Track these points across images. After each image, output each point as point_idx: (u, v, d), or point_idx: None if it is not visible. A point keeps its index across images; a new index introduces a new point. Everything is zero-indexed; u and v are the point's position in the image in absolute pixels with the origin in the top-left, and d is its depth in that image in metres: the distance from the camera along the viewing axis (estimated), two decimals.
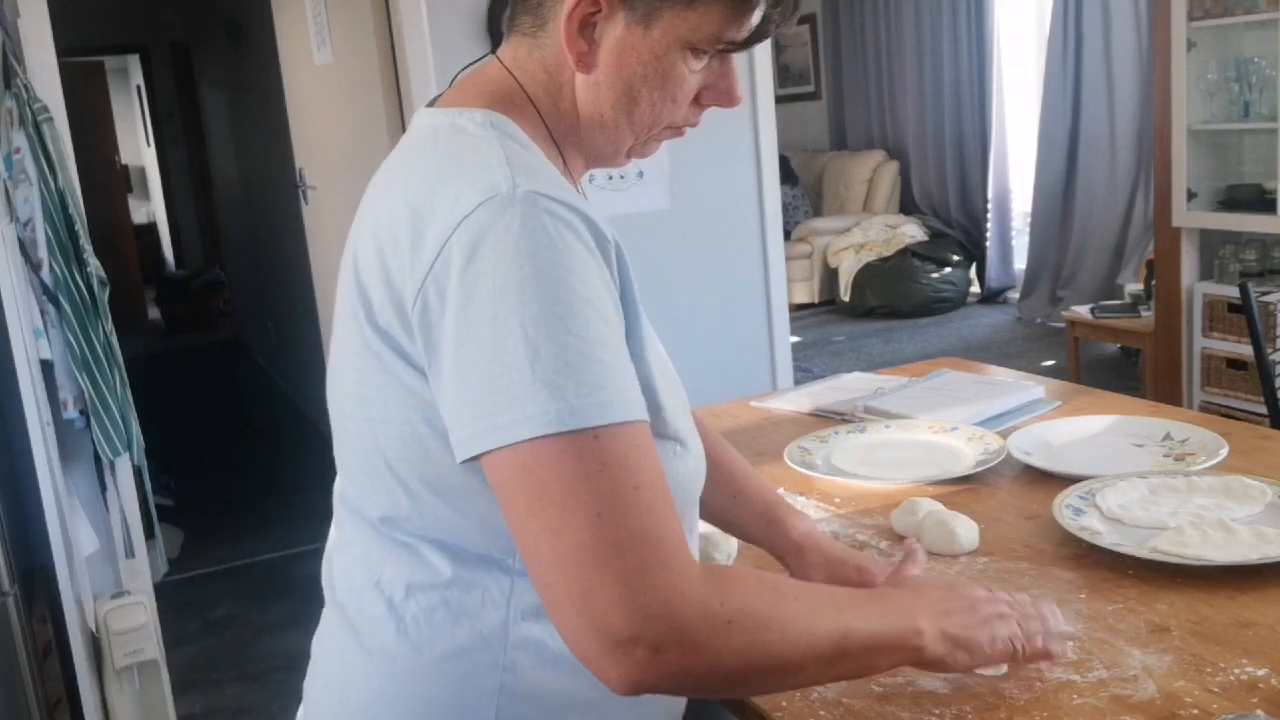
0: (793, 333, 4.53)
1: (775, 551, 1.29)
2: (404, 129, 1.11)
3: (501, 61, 1.04)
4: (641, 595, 0.83)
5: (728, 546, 1.40)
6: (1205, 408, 4.26)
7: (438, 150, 0.97)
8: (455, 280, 0.86)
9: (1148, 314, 4.91)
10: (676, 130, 1.04)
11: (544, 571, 0.85)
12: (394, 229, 0.93)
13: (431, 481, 0.95)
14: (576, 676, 0.93)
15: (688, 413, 1.07)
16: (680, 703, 1.08)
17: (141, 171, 12.14)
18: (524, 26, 1.02)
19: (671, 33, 0.96)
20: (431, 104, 1.06)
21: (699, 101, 1.02)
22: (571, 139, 1.04)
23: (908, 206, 8.16)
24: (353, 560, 1.04)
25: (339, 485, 1.08)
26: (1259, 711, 0.99)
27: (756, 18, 0.97)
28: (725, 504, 1.30)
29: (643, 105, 0.99)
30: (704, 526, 1.42)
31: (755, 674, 0.90)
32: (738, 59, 1.04)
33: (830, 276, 7.85)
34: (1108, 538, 1.34)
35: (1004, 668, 1.08)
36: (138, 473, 2.88)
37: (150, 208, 12.04)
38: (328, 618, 1.08)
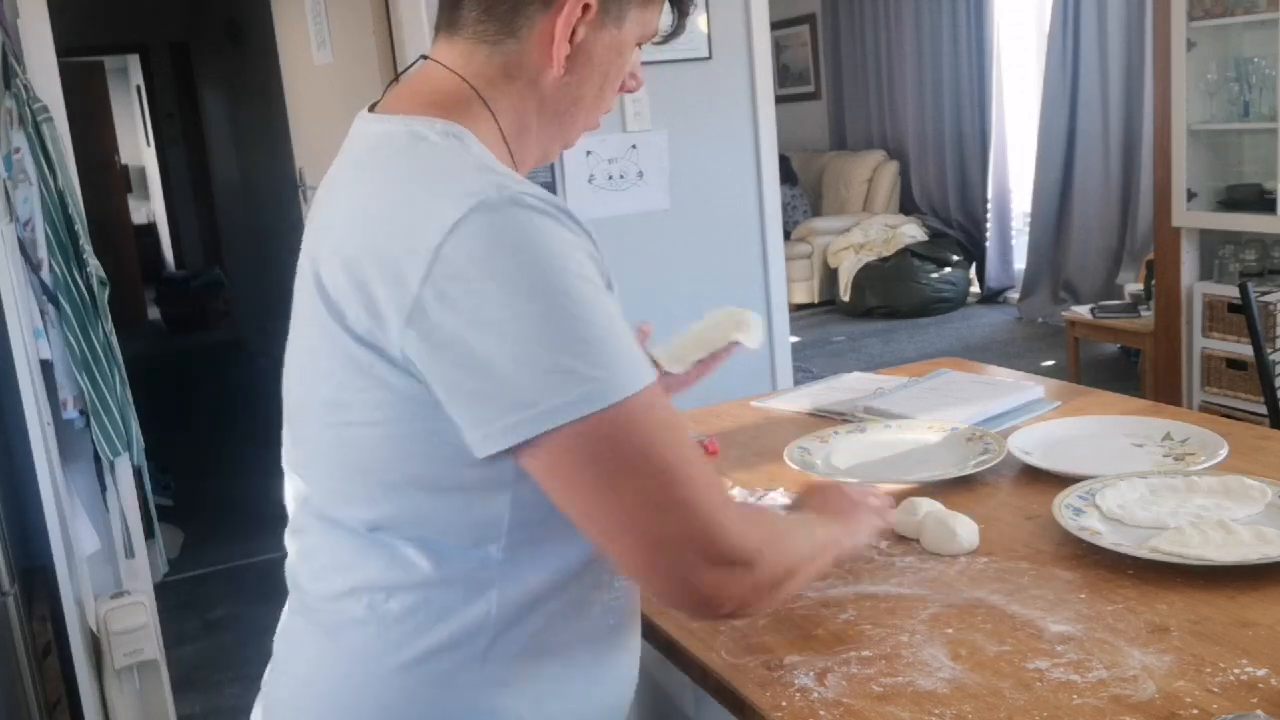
0: (793, 333, 4.53)
1: None
2: None
3: (448, 66, 1.05)
4: (722, 531, 0.93)
5: None
6: (1205, 408, 4.26)
7: (404, 160, 0.98)
8: (460, 287, 0.88)
9: (1148, 314, 4.91)
10: (596, 123, 1.13)
11: (634, 539, 0.92)
12: (368, 241, 0.93)
13: (418, 479, 0.96)
14: (555, 664, 1.01)
15: None
16: (634, 680, 1.13)
17: (141, 171, 12.14)
18: (483, 34, 1.04)
19: (633, 29, 1.07)
20: (371, 109, 1.07)
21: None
22: (525, 139, 1.06)
23: (907, 206, 8.16)
24: (324, 566, 1.05)
25: (301, 492, 1.08)
26: (1259, 711, 0.99)
27: (676, 15, 1.12)
28: None
29: (607, 95, 1.09)
30: None
31: (785, 581, 1.01)
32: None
33: (830, 276, 7.85)
34: (1108, 538, 1.34)
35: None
36: (138, 473, 2.87)
37: (150, 208, 12.04)
38: (296, 622, 1.08)
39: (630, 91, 1.13)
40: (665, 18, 1.11)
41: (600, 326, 0.90)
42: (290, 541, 1.11)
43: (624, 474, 0.90)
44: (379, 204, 0.95)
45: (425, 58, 1.08)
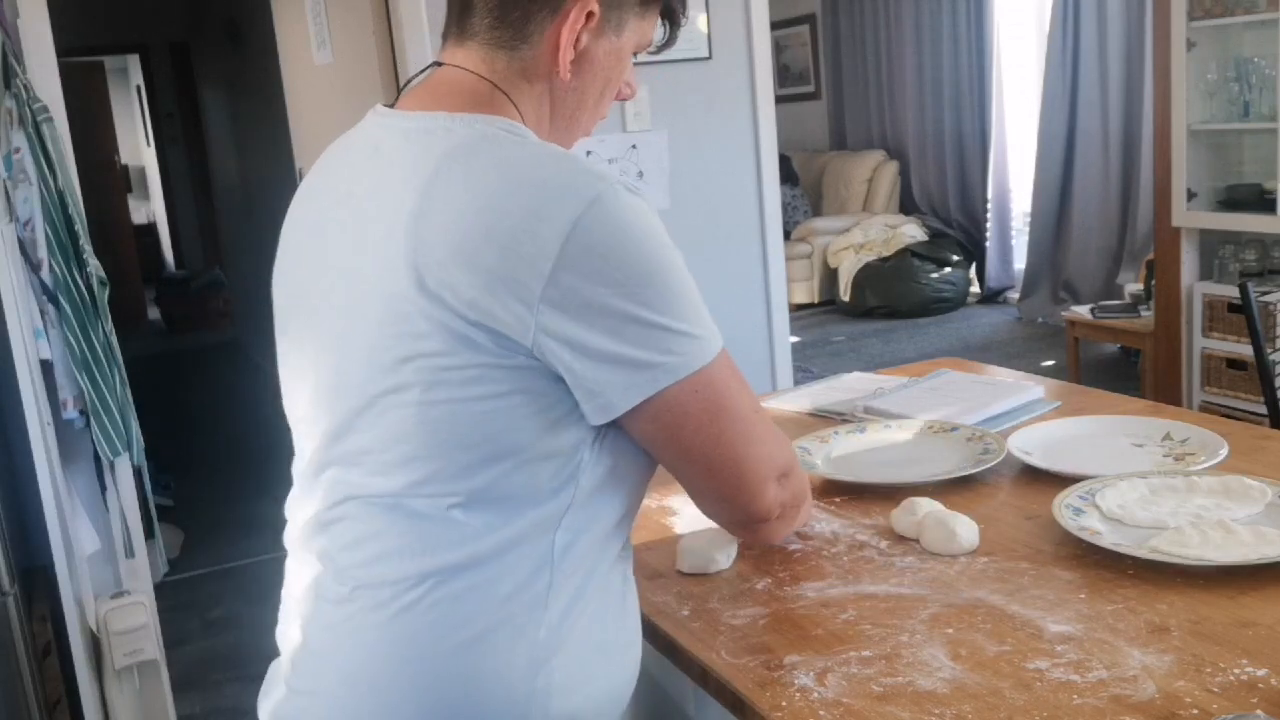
0: (793, 333, 4.53)
1: None
2: None
3: (472, 71, 1.10)
4: (785, 446, 1.18)
5: (730, 548, 1.40)
6: (1205, 408, 4.26)
7: (506, 150, 1.03)
8: (594, 264, 0.97)
9: (1148, 314, 4.91)
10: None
11: (741, 462, 1.10)
12: (490, 228, 0.97)
13: (515, 449, 1.02)
14: (593, 629, 1.07)
15: None
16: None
17: (141, 171, 12.14)
18: (499, 40, 1.10)
19: (633, 37, 1.14)
20: (390, 106, 1.12)
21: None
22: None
23: (908, 206, 8.16)
24: (380, 553, 1.05)
25: (344, 482, 1.08)
26: (1259, 711, 0.99)
27: (668, 26, 1.19)
28: None
29: (607, 101, 1.17)
30: (712, 528, 1.42)
31: (805, 499, 1.28)
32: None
33: (830, 276, 7.85)
34: (1108, 538, 1.34)
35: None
36: (138, 473, 2.87)
37: (150, 208, 12.05)
38: (341, 613, 1.07)
39: (625, 99, 1.19)
40: (658, 29, 1.19)
41: (695, 293, 1.04)
42: (319, 535, 1.11)
43: (724, 416, 1.06)
44: (495, 193, 0.99)
45: (438, 64, 1.12)
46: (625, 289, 0.98)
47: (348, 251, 1.06)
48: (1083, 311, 5.33)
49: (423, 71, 1.14)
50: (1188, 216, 4.34)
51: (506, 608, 1.03)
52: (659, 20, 1.18)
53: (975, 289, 7.76)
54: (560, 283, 0.97)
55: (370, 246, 1.03)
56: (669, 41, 1.20)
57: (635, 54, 1.16)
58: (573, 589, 1.06)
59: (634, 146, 3.53)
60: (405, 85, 1.15)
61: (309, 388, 1.12)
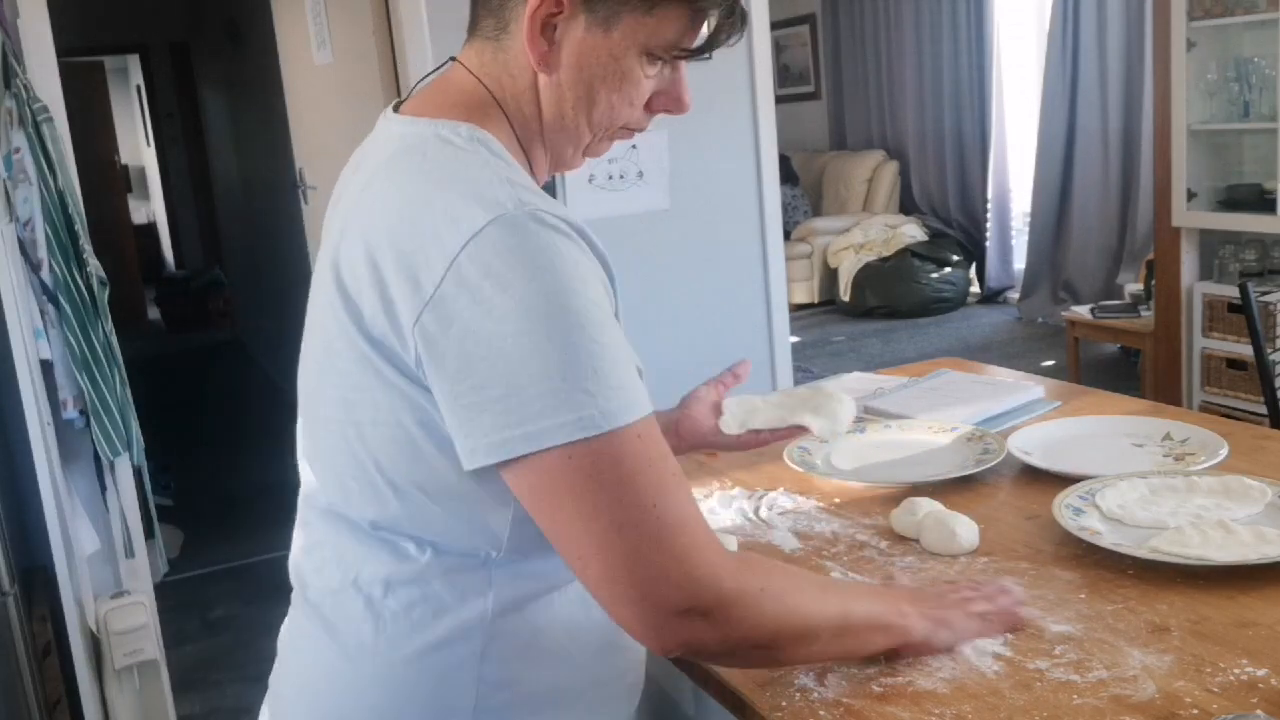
0: (793, 333, 4.53)
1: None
2: None
3: (467, 67, 1.05)
4: (694, 570, 0.92)
5: (730, 548, 1.40)
6: (1205, 408, 4.26)
7: (429, 163, 0.97)
8: (469, 296, 0.88)
9: (1148, 314, 4.92)
10: (628, 132, 1.08)
11: (604, 565, 0.91)
12: (389, 242, 0.93)
13: (424, 484, 0.97)
14: (554, 666, 1.02)
15: None
16: (639, 682, 1.14)
17: (141, 171, 12.14)
18: (486, 30, 1.04)
19: (631, 37, 1.00)
20: (396, 108, 1.07)
21: (650, 107, 1.06)
22: (536, 141, 1.06)
23: (907, 206, 8.16)
24: (325, 560, 1.05)
25: (309, 485, 1.08)
26: (1259, 711, 0.99)
27: (710, 26, 1.02)
28: None
29: (601, 106, 1.03)
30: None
31: (783, 640, 1.01)
32: (691, 67, 1.05)
33: (830, 276, 7.85)
34: (1108, 538, 1.33)
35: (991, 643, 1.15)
36: (137, 473, 2.88)
37: (150, 208, 12.04)
38: (298, 617, 1.09)
39: (669, 112, 1.07)
40: (706, 25, 1.03)
41: (600, 354, 0.89)
42: (296, 535, 1.12)
43: (602, 503, 0.90)
44: (401, 206, 0.94)
45: (453, 59, 1.08)
46: (504, 326, 0.87)
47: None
48: (1083, 311, 5.34)
49: (440, 67, 1.10)
50: (1188, 216, 4.34)
51: (441, 628, 0.99)
52: (693, 19, 1.01)
53: (975, 289, 7.76)
54: (436, 312, 0.89)
55: (325, 257, 1.02)
56: (712, 44, 1.03)
57: (657, 57, 1.02)
58: (522, 626, 1.01)
59: (634, 146, 3.52)
60: (417, 83, 1.11)
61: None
